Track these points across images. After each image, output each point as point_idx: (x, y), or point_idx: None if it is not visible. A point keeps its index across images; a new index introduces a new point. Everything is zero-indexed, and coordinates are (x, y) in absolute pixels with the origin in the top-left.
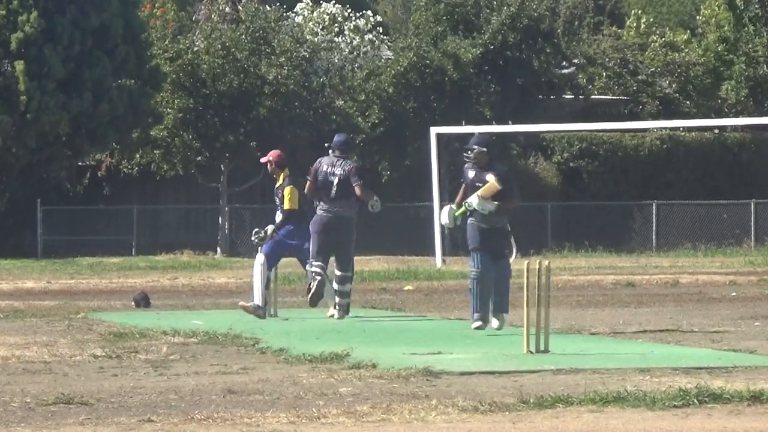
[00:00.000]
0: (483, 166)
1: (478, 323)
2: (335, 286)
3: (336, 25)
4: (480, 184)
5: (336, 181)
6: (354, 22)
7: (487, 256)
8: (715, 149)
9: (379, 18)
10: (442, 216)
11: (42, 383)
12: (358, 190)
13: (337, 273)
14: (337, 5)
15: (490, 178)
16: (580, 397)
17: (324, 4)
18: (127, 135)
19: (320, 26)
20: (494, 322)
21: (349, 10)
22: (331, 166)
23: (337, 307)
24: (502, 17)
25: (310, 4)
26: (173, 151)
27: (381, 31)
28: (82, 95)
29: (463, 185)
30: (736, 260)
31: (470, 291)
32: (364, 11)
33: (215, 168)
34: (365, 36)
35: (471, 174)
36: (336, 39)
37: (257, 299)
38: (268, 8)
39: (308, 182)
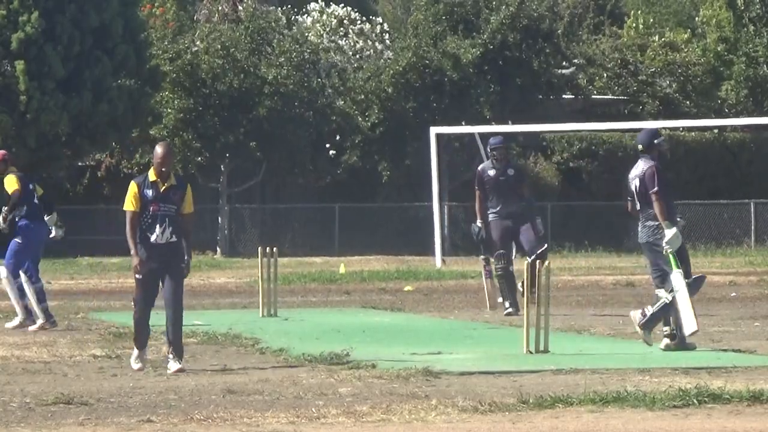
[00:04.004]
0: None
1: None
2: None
3: (342, 28)
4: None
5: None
6: (360, 26)
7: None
8: (715, 149)
9: (386, 26)
10: (672, 242)
11: (42, 383)
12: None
13: None
14: (345, 8)
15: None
16: (579, 397)
17: (333, 6)
18: (127, 135)
19: (327, 28)
20: (663, 341)
21: (356, 14)
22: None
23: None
24: (501, 17)
25: (322, 4)
26: (173, 151)
27: (386, 37)
28: (81, 95)
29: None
30: (736, 260)
31: (671, 307)
32: (371, 16)
33: (215, 168)
34: (369, 41)
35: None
36: (339, 41)
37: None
38: (271, 8)
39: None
